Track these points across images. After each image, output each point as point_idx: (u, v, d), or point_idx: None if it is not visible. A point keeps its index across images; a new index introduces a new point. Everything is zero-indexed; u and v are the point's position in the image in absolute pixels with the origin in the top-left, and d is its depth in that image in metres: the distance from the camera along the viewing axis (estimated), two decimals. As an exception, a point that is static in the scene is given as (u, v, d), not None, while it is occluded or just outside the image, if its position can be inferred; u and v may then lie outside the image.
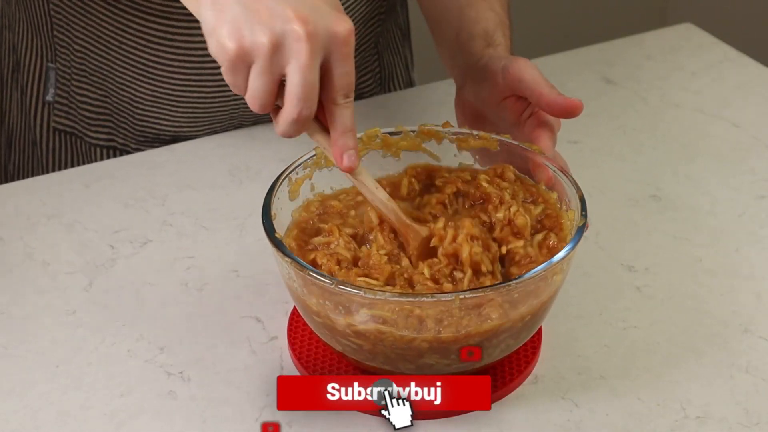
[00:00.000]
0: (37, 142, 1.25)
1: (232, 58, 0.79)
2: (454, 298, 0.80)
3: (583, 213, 0.87)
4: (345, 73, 0.80)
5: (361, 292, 0.80)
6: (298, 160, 0.93)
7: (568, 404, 0.88)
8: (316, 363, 0.91)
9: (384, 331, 0.82)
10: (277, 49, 0.78)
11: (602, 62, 1.35)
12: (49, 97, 1.22)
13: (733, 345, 0.94)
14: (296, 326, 0.94)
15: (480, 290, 0.81)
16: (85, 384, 0.90)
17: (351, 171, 0.84)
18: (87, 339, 0.95)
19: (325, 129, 0.84)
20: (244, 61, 0.79)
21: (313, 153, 0.94)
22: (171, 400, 0.89)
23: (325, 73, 0.80)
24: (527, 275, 0.81)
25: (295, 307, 0.95)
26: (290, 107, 0.80)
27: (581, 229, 0.86)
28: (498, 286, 0.81)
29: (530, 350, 0.92)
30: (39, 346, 0.94)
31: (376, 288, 0.83)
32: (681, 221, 1.08)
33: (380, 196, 0.88)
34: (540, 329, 0.94)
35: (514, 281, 0.81)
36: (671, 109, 1.26)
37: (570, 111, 0.93)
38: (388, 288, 0.84)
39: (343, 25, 0.79)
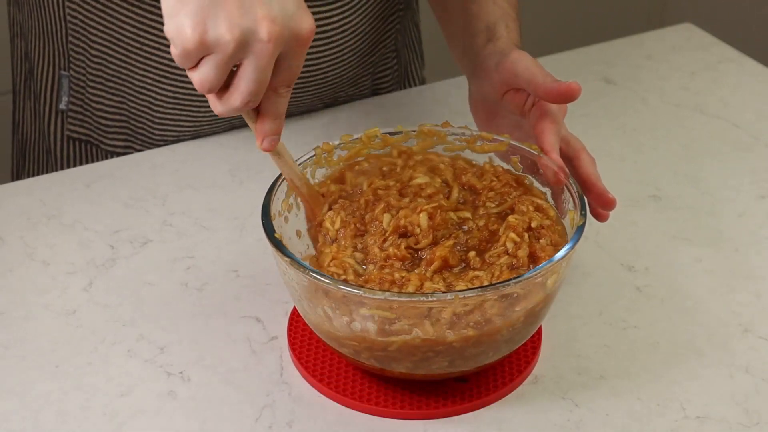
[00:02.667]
0: (52, 151, 1.24)
1: (188, 47, 0.76)
2: (453, 297, 0.80)
3: (582, 212, 0.87)
4: (294, 66, 0.80)
5: (361, 292, 0.80)
6: (297, 160, 0.93)
7: (568, 404, 0.88)
8: (316, 363, 0.91)
9: (384, 331, 0.82)
10: (240, 47, 0.77)
11: (602, 62, 1.35)
12: (62, 106, 1.22)
13: (733, 345, 0.94)
14: (296, 326, 0.94)
15: (479, 290, 0.81)
16: (85, 384, 0.90)
17: (269, 152, 0.85)
18: (87, 339, 0.95)
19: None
20: (201, 52, 0.77)
21: (313, 153, 0.94)
22: (171, 400, 0.89)
23: (275, 64, 0.79)
24: (527, 275, 0.81)
25: (295, 307, 0.95)
26: (237, 97, 0.79)
27: (581, 228, 0.86)
28: (497, 285, 0.81)
29: (530, 350, 0.92)
30: (39, 346, 0.94)
31: (376, 288, 0.83)
32: (681, 221, 1.08)
33: (297, 171, 0.90)
34: (540, 329, 0.94)
35: (513, 280, 0.81)
36: (671, 109, 1.26)
37: (567, 95, 0.92)
38: (388, 288, 0.84)
39: (307, 25, 0.78)
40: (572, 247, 0.84)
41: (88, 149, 1.23)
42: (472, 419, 0.87)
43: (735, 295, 0.99)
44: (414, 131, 0.97)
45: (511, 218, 0.88)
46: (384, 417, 0.87)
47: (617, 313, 0.97)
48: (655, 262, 1.03)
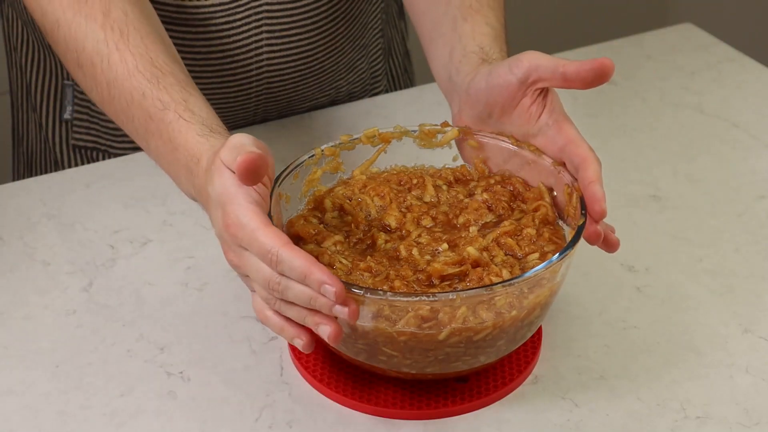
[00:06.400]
0: (59, 162, 1.24)
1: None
2: (455, 297, 0.80)
3: (583, 212, 0.87)
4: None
5: (362, 292, 0.80)
6: (297, 159, 0.93)
7: (568, 404, 0.88)
8: (316, 363, 0.91)
9: (384, 330, 0.82)
10: None
11: (602, 62, 1.35)
12: (66, 115, 1.22)
13: (733, 345, 0.94)
14: (296, 326, 0.94)
15: (481, 289, 0.81)
16: (85, 384, 0.90)
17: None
18: (87, 339, 0.95)
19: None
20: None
21: (312, 153, 0.94)
22: (171, 400, 0.89)
23: None
24: (527, 274, 0.81)
25: (295, 307, 0.95)
26: None
27: (580, 228, 0.86)
28: (497, 285, 0.81)
29: (530, 350, 0.92)
30: (39, 346, 0.94)
31: (377, 287, 0.83)
32: (681, 221, 1.08)
33: None
34: (540, 329, 0.94)
35: (515, 280, 0.81)
36: (671, 109, 1.26)
37: (602, 70, 0.87)
38: (388, 287, 0.84)
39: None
40: (572, 247, 0.84)
41: (95, 156, 1.23)
42: (472, 419, 0.87)
43: (735, 295, 0.99)
44: (414, 131, 0.97)
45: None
46: (384, 417, 0.87)
47: (617, 313, 0.97)
48: (655, 262, 1.03)
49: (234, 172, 0.81)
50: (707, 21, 1.78)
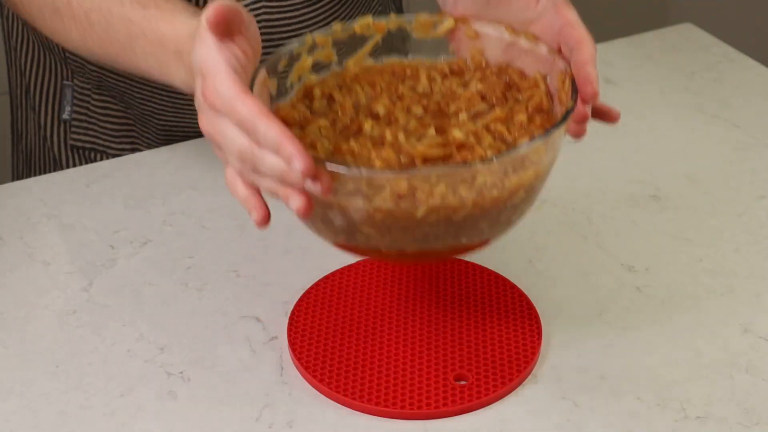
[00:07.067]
0: (58, 161, 1.24)
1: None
2: (432, 174, 0.78)
3: (573, 96, 0.84)
4: None
5: (337, 168, 0.77)
6: (286, 45, 0.90)
7: (568, 404, 0.88)
8: (317, 363, 0.91)
9: (361, 208, 0.79)
10: None
11: (602, 62, 1.35)
12: (65, 115, 1.22)
13: (733, 345, 0.94)
14: (296, 326, 0.94)
15: (460, 165, 0.79)
16: (85, 384, 0.90)
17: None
18: (87, 339, 0.95)
19: None
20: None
21: (303, 40, 0.91)
22: (171, 400, 0.89)
23: None
24: (508, 152, 0.79)
25: (295, 307, 0.95)
26: None
27: (570, 111, 0.83)
28: (476, 163, 0.79)
29: (530, 350, 0.92)
30: (39, 346, 0.94)
31: (366, 166, 0.81)
32: (681, 221, 1.08)
33: None
34: (540, 329, 0.94)
35: (495, 157, 0.79)
36: (671, 109, 1.26)
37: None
38: (379, 163, 0.82)
39: None
40: (558, 127, 0.81)
41: (93, 157, 1.23)
42: (472, 419, 0.87)
43: (735, 295, 0.99)
44: (410, 21, 0.94)
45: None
46: (384, 417, 0.87)
47: (617, 313, 0.97)
48: (655, 262, 1.03)
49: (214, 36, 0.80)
50: (707, 21, 1.78)
